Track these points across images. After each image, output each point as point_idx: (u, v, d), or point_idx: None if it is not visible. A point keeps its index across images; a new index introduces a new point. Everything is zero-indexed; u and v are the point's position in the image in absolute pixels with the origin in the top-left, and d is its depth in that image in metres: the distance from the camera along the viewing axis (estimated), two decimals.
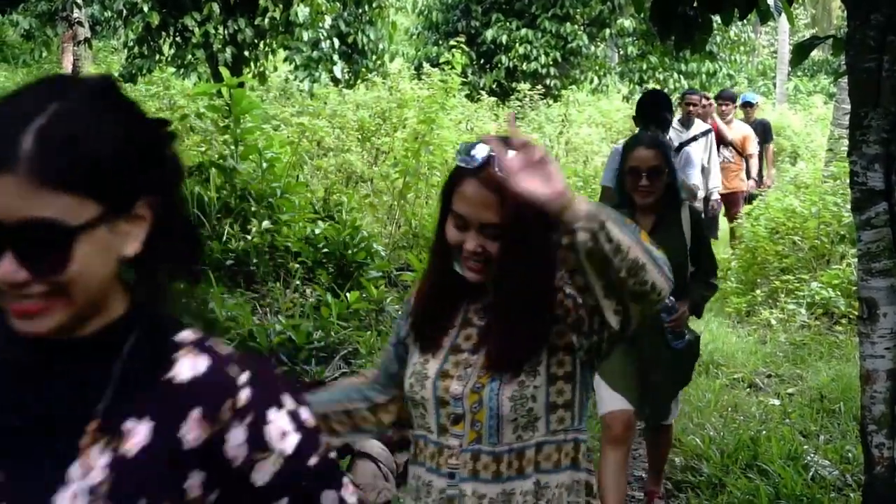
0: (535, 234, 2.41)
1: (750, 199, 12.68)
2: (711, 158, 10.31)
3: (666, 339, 5.04)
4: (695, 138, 9.84)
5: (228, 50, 13.35)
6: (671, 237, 4.89)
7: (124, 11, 14.65)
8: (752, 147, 12.33)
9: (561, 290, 2.48)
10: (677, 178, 5.14)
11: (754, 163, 12.56)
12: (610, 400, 5.07)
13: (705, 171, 9.95)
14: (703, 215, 5.99)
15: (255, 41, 13.85)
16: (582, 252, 2.17)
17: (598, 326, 2.42)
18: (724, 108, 12.07)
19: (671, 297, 4.65)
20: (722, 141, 11.46)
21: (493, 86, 22.67)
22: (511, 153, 2.15)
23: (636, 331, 4.60)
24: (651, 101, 7.41)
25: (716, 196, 10.44)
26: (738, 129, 12.17)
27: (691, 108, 10.39)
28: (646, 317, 2.43)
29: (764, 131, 13.57)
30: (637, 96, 12.47)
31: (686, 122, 10.21)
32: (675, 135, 9.62)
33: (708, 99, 11.55)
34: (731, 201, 12.00)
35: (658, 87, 21.73)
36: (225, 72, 9.85)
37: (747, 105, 13.79)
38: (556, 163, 2.18)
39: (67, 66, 21.36)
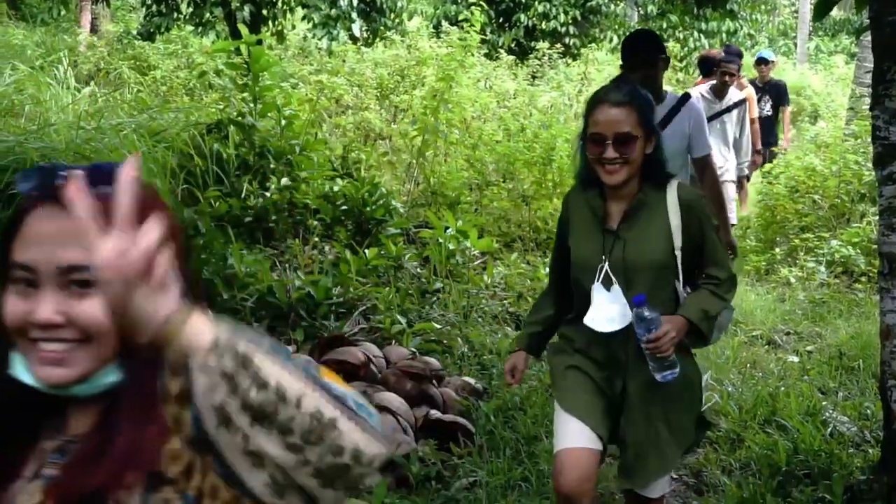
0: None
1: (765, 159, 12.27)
2: (744, 130, 9.78)
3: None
4: (728, 109, 9.12)
5: (247, 8, 13.33)
6: (649, 230, 3.68)
7: None
8: (754, 110, 11.68)
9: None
10: (662, 149, 3.76)
11: (756, 129, 11.62)
12: (564, 433, 3.75)
13: (736, 144, 9.57)
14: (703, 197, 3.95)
15: None
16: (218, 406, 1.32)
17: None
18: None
19: (650, 309, 3.50)
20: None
21: (512, 44, 22.52)
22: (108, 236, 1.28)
23: (611, 350, 3.70)
24: (635, 40, 5.98)
25: (745, 172, 10.12)
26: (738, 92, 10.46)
27: (727, 77, 9.38)
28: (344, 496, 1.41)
29: (778, 93, 12.84)
30: None
31: (720, 92, 9.38)
32: (706, 106, 8.73)
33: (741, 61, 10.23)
34: None
35: (679, 45, 21.55)
36: (243, 29, 9.83)
37: (762, 62, 12.89)
38: (164, 254, 1.32)
39: (85, 25, 21.35)
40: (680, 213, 3.65)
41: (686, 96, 6.07)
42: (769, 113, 12.78)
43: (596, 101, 3.70)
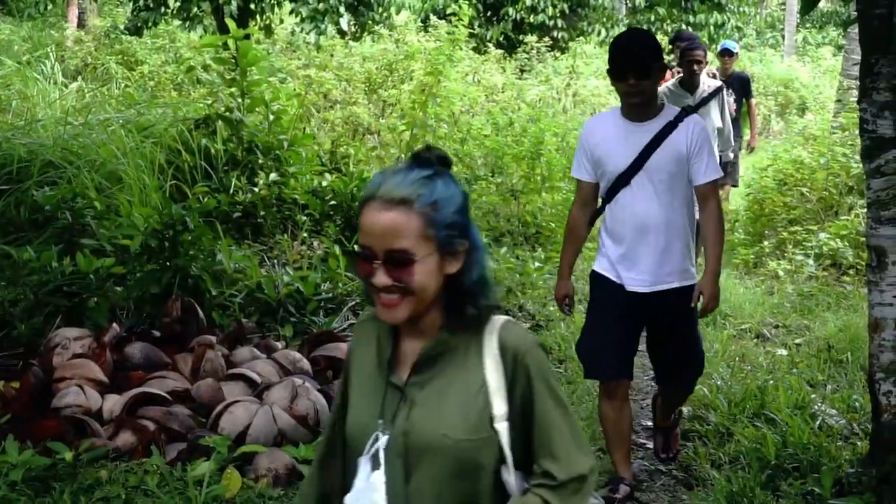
0: None
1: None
2: (725, 118, 8.63)
3: None
4: (705, 101, 8.15)
5: (234, 2, 13.26)
6: (452, 390, 2.29)
7: None
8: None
9: None
10: (481, 267, 2.33)
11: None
12: None
13: (721, 133, 8.50)
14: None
15: None
16: None
17: None
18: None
19: None
20: None
21: (500, 38, 22.53)
22: None
23: None
24: (624, 43, 4.87)
25: (730, 157, 9.27)
26: (713, 78, 9.56)
27: (696, 66, 8.32)
28: None
29: (743, 86, 11.75)
30: None
31: (690, 85, 8.36)
32: (675, 102, 7.23)
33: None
34: None
35: (666, 38, 21.56)
36: (231, 24, 9.81)
37: (726, 53, 11.65)
38: None
39: (73, 20, 21.28)
40: (503, 367, 2.29)
41: (686, 111, 4.98)
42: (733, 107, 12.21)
43: (365, 197, 2.24)
